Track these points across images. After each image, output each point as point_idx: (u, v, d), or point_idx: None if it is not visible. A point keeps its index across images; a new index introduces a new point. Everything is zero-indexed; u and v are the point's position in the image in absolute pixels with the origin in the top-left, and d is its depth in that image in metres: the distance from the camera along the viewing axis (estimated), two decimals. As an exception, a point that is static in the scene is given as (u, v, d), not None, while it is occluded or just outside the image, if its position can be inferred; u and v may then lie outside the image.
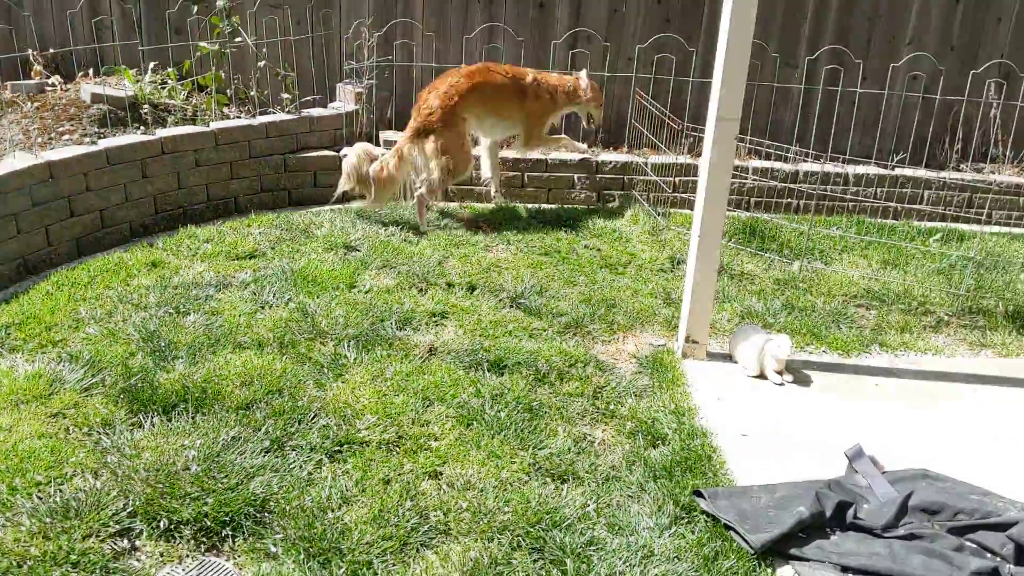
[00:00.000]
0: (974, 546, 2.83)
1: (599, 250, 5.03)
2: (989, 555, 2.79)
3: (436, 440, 3.15)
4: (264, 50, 5.71)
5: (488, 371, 3.63)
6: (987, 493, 3.05)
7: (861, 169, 6.06)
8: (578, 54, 6.06)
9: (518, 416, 3.32)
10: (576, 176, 5.85)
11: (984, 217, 5.74)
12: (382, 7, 6.01)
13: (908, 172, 6.10)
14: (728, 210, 5.72)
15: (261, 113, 5.52)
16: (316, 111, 5.69)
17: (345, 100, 5.93)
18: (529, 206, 5.64)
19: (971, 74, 6.17)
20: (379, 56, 5.89)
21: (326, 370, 3.51)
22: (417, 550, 2.62)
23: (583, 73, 5.41)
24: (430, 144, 5.09)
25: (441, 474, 2.98)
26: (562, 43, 6.02)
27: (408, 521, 2.70)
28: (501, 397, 3.44)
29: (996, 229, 5.83)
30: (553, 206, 5.74)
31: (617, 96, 6.19)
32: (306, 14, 5.88)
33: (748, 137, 6.06)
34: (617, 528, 2.80)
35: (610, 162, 5.87)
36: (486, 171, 5.64)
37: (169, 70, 5.77)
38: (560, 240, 5.11)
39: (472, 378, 3.56)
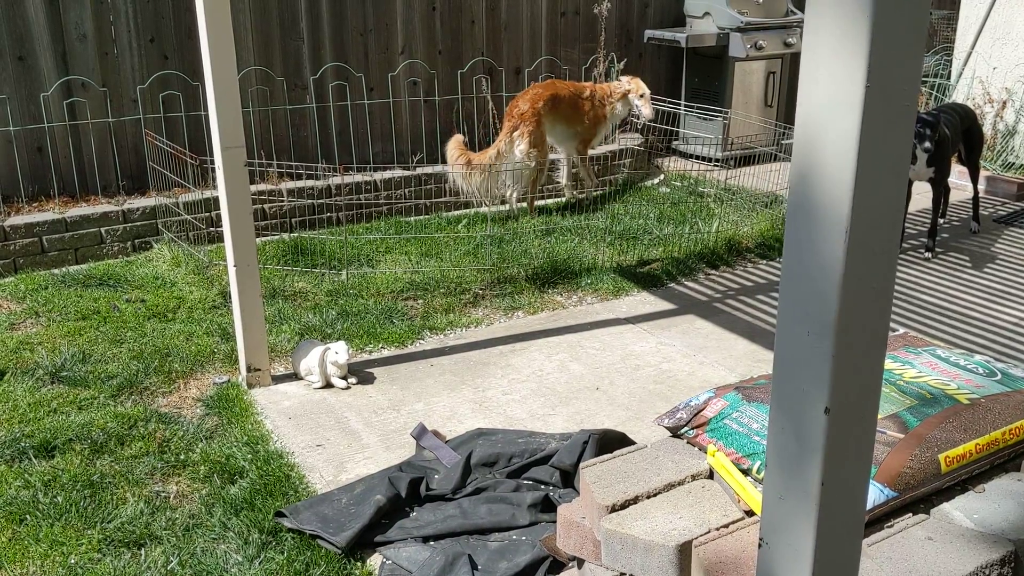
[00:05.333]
0: (530, 482, 3.21)
1: (144, 301, 4.81)
2: (543, 486, 3.19)
3: (-17, 549, 2.83)
4: None
5: (36, 457, 3.33)
6: (532, 434, 3.48)
7: (387, 174, 6.48)
8: (75, 103, 5.69)
9: (78, 495, 3.10)
10: (103, 230, 5.51)
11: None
12: None
13: (428, 170, 6.64)
14: (272, 234, 5.81)
15: None
16: None
17: None
18: (55, 271, 5.20)
19: (459, 73, 6.89)
20: None
21: None
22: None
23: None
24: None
25: (-4, 583, 2.69)
26: (54, 94, 5.61)
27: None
28: (56, 481, 3.18)
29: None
30: (84, 266, 5.35)
31: (131, 140, 5.93)
32: None
33: (276, 161, 6.17)
34: (206, 573, 2.75)
35: (138, 209, 5.62)
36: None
37: None
38: (98, 300, 4.79)
39: (17, 470, 3.25)
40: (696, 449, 2.28)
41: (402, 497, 3.06)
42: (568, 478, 3.15)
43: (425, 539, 2.91)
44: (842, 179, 1.14)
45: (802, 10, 7.99)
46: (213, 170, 3.98)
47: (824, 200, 1.17)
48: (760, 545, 1.38)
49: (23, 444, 3.38)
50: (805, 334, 1.23)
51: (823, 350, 1.21)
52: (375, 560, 2.86)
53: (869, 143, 1.13)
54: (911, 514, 2.02)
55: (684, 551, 1.91)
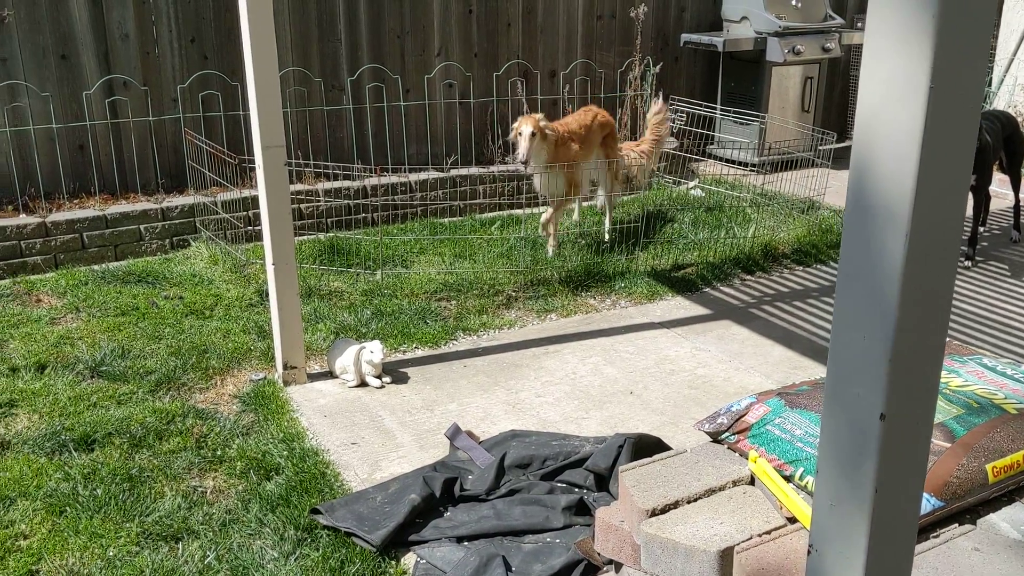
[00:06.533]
0: (564, 485, 3.20)
1: (181, 298, 4.85)
2: (577, 489, 3.18)
3: (25, 538, 2.87)
4: None
5: (76, 451, 3.37)
6: (565, 437, 3.47)
7: (422, 176, 6.50)
8: (117, 101, 5.77)
9: (117, 488, 3.13)
10: (142, 227, 5.58)
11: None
12: None
13: (463, 172, 6.65)
14: (308, 234, 5.85)
15: None
16: None
17: None
18: (95, 268, 5.27)
19: (495, 76, 6.90)
20: None
21: None
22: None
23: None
24: None
25: (38, 572, 2.72)
26: (96, 93, 5.69)
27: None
28: (95, 474, 3.22)
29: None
30: (123, 263, 5.41)
31: (171, 139, 6.00)
32: None
33: (312, 161, 6.21)
34: (242, 569, 2.77)
35: (177, 207, 5.68)
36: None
37: None
38: (137, 296, 4.84)
39: (58, 463, 3.29)
40: (737, 455, 2.26)
41: (436, 497, 3.06)
42: (603, 482, 3.14)
43: (459, 539, 2.91)
44: (903, 182, 1.12)
45: (841, 15, 7.90)
46: (252, 169, 4.02)
47: (884, 203, 1.15)
48: (809, 552, 1.36)
49: (63, 437, 3.43)
50: (861, 338, 1.21)
51: (880, 355, 1.19)
52: (409, 559, 2.86)
53: (932, 145, 1.11)
54: (957, 524, 1.99)
55: (726, 557, 1.89)
